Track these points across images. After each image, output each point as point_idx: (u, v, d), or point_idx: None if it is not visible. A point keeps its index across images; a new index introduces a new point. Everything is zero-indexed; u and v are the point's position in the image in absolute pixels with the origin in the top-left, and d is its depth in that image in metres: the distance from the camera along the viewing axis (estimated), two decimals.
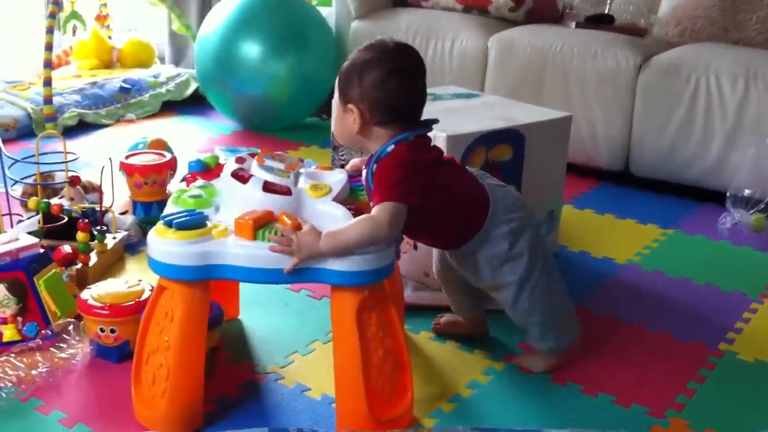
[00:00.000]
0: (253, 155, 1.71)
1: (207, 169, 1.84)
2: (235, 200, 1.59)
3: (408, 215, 1.57)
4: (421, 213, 1.60)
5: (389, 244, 1.56)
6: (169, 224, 1.52)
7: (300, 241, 1.48)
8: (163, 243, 1.52)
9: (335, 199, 1.60)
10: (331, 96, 3.62)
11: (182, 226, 1.51)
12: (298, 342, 1.94)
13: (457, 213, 1.67)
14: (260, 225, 1.51)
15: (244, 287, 2.11)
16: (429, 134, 1.66)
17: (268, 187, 1.58)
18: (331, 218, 1.55)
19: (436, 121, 1.67)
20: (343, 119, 1.63)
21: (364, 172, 1.67)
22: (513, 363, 1.85)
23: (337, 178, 1.66)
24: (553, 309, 1.77)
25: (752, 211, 2.68)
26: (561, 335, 1.81)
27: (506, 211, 1.70)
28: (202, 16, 4.26)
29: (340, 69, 1.64)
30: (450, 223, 1.67)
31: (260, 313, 2.07)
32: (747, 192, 2.69)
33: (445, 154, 1.70)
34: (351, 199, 1.66)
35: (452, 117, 2.21)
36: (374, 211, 1.54)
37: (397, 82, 1.58)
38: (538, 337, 1.80)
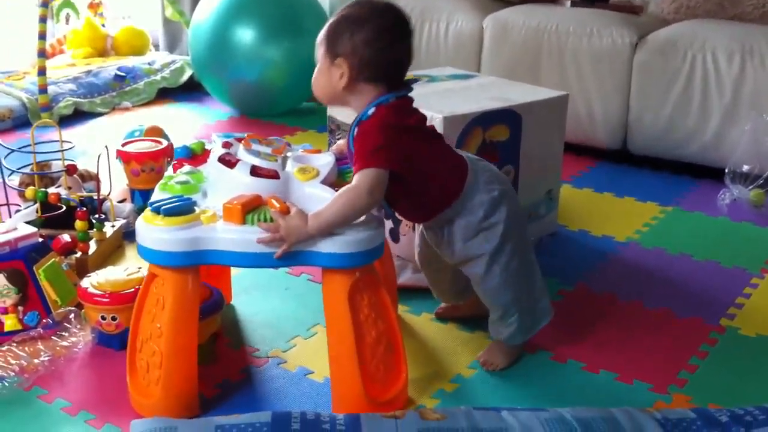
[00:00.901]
0: (239, 140, 1.71)
1: (193, 155, 1.84)
2: (223, 185, 1.59)
3: (389, 182, 1.56)
4: (402, 178, 1.59)
5: (378, 210, 1.58)
6: (157, 211, 1.52)
7: (288, 225, 1.48)
8: (151, 230, 1.51)
9: (324, 182, 1.59)
10: None
11: (170, 212, 1.51)
12: (299, 326, 1.94)
13: (437, 179, 1.65)
14: (249, 209, 1.51)
15: (244, 272, 2.12)
16: (410, 95, 1.64)
17: (255, 171, 1.58)
18: (319, 201, 1.54)
19: (416, 80, 1.66)
20: (327, 74, 1.61)
21: (343, 141, 1.66)
22: (477, 361, 1.81)
23: (325, 161, 1.66)
24: (523, 291, 1.73)
25: (751, 187, 2.68)
26: (524, 325, 1.75)
27: (487, 181, 1.68)
28: (195, 2, 4.24)
29: (328, 23, 1.62)
30: (430, 189, 1.65)
31: (261, 297, 2.07)
32: (745, 168, 2.69)
33: (426, 120, 1.68)
34: (339, 181, 1.65)
35: (448, 98, 2.21)
36: (354, 179, 1.54)
37: (389, 41, 1.58)
38: (497, 322, 1.75)
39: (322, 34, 1.62)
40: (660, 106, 2.97)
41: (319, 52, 1.63)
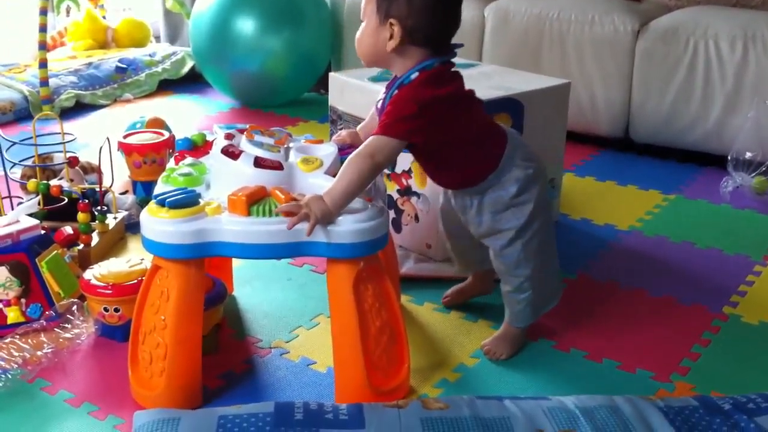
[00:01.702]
0: (242, 131, 1.71)
1: (195, 147, 1.84)
2: (226, 177, 1.58)
3: (427, 149, 1.59)
4: (437, 147, 1.60)
5: (382, 200, 1.60)
6: (161, 203, 1.51)
7: (307, 201, 1.48)
8: (156, 222, 1.51)
9: (327, 173, 1.59)
10: (329, 70, 3.62)
11: (175, 205, 1.50)
12: (302, 316, 1.94)
13: (474, 149, 1.66)
14: (254, 201, 1.51)
15: (246, 263, 2.12)
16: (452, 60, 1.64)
17: (259, 162, 1.58)
18: (323, 191, 1.54)
19: (461, 45, 1.65)
20: (376, 34, 1.58)
21: (382, 96, 1.65)
22: (480, 349, 1.81)
23: (327, 151, 1.66)
24: (539, 270, 1.74)
25: (754, 174, 2.67)
26: (534, 304, 1.76)
27: (524, 157, 1.69)
28: None
29: None
30: (466, 159, 1.66)
31: (263, 288, 2.07)
32: (748, 155, 2.68)
33: (463, 86, 1.67)
34: None
35: None
36: (367, 141, 1.55)
37: (444, 6, 1.57)
38: (511, 293, 1.76)
39: None
40: (662, 93, 2.96)
41: (368, 9, 1.59)
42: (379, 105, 1.66)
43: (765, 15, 2.94)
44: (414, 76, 1.58)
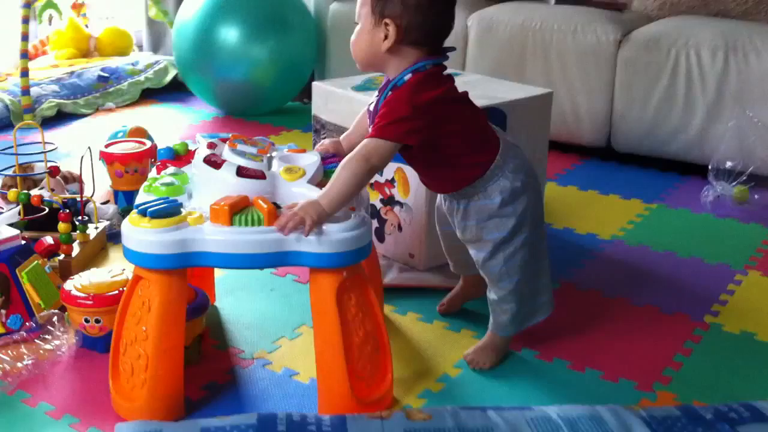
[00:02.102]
0: (224, 140, 1.70)
1: (177, 156, 1.83)
2: (209, 186, 1.58)
3: (419, 150, 1.59)
4: (427, 148, 1.60)
5: (364, 209, 1.60)
6: (143, 213, 1.51)
7: (302, 205, 1.49)
8: (138, 232, 1.50)
9: (310, 182, 1.59)
10: (312, 79, 3.62)
11: (157, 214, 1.49)
12: (285, 327, 1.93)
13: (464, 152, 1.65)
14: (236, 210, 1.50)
15: (228, 273, 2.11)
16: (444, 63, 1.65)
17: (242, 172, 1.57)
18: (318, 195, 1.54)
19: (453, 48, 1.66)
20: (371, 35, 1.59)
21: (375, 99, 1.65)
22: (464, 359, 1.80)
23: (310, 161, 1.66)
24: (525, 283, 1.73)
25: (734, 183, 2.69)
26: (518, 316, 1.76)
27: (514, 169, 1.68)
28: (179, 1, 4.23)
29: None
30: (455, 162, 1.66)
31: (246, 298, 2.06)
32: (729, 164, 2.70)
33: (456, 89, 1.67)
34: (325, 181, 1.65)
35: None
36: (362, 143, 1.56)
37: (440, 6, 1.59)
38: (495, 303, 1.75)
39: None
40: (644, 103, 2.98)
41: (363, 11, 1.61)
42: (372, 108, 1.66)
43: (745, 24, 2.97)
44: (408, 77, 1.58)
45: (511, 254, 1.70)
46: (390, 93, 1.59)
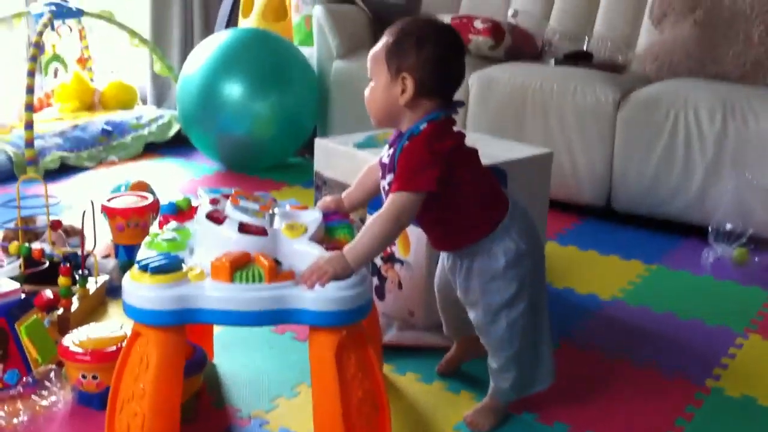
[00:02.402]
0: (227, 196, 1.71)
1: (179, 212, 1.83)
2: (210, 242, 1.58)
3: (428, 202, 1.59)
4: (438, 199, 1.60)
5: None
6: (144, 268, 1.51)
7: (326, 257, 1.50)
8: (138, 288, 1.50)
9: (311, 239, 1.59)
10: (314, 135, 3.65)
11: (158, 270, 1.49)
12: (282, 385, 1.92)
13: (472, 208, 1.67)
14: (237, 267, 1.50)
15: (227, 328, 2.10)
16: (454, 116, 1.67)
17: (244, 228, 1.58)
18: (308, 258, 1.54)
19: (462, 103, 1.68)
20: (388, 90, 1.61)
21: (388, 151, 1.65)
22: (464, 422, 1.78)
23: (312, 217, 1.66)
24: (526, 350, 1.73)
25: (734, 245, 2.69)
26: (519, 383, 1.75)
27: (520, 232, 1.69)
28: (183, 57, 4.28)
29: (387, 40, 1.62)
30: (463, 217, 1.66)
31: (244, 355, 2.05)
32: (729, 226, 2.71)
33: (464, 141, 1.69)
34: (327, 238, 1.66)
35: None
36: (388, 201, 1.56)
37: (453, 58, 1.62)
38: (496, 371, 1.75)
39: (380, 51, 1.63)
40: (643, 163, 3.00)
41: (377, 67, 1.63)
42: (387, 160, 1.66)
43: (744, 88, 3.00)
44: (423, 126, 1.60)
45: (513, 320, 1.70)
46: (407, 142, 1.60)
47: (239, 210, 1.63)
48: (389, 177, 1.62)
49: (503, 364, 1.73)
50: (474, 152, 1.70)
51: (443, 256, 1.82)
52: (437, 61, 1.60)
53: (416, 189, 1.56)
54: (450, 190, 1.61)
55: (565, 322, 2.27)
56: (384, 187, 1.66)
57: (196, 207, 1.75)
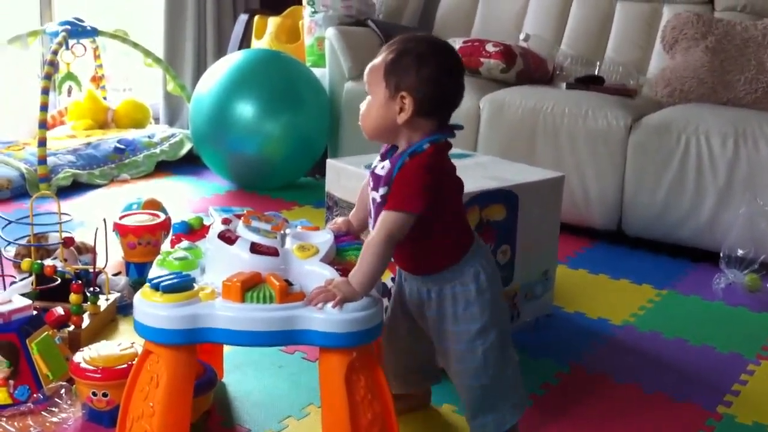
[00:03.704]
0: (239, 216, 1.71)
1: (191, 231, 1.83)
2: (222, 262, 1.58)
3: (415, 223, 1.57)
4: (426, 222, 1.59)
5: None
6: (156, 287, 1.51)
7: (335, 281, 1.50)
8: (150, 306, 1.50)
9: (323, 260, 1.59)
10: (325, 155, 3.66)
11: (170, 289, 1.50)
12: (292, 406, 1.92)
13: (454, 231, 1.66)
14: (248, 287, 1.50)
15: (236, 348, 2.10)
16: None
17: (255, 248, 1.58)
18: (318, 279, 1.54)
19: (461, 126, 1.67)
20: (385, 108, 1.59)
21: (384, 165, 1.62)
22: None
23: (323, 239, 1.66)
24: (501, 376, 1.69)
25: (746, 271, 2.68)
26: (502, 412, 1.70)
27: (486, 257, 1.69)
28: (196, 77, 4.31)
29: (387, 58, 1.60)
30: (445, 240, 1.65)
31: (254, 375, 2.05)
32: (740, 252, 2.70)
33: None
34: (338, 259, 1.66)
35: None
36: (380, 220, 1.55)
37: (452, 78, 1.61)
38: (477, 407, 1.70)
39: (379, 67, 1.60)
40: (655, 188, 3.00)
41: (375, 84, 1.61)
42: (381, 172, 1.62)
43: (755, 113, 3.00)
44: (426, 146, 1.58)
45: (489, 347, 1.66)
46: (408, 160, 1.58)
47: (251, 230, 1.64)
48: (383, 190, 1.59)
49: (484, 398, 1.69)
50: (461, 182, 1.69)
51: (395, 301, 1.78)
52: (437, 82, 1.58)
53: (412, 210, 1.55)
54: (436, 214, 1.60)
55: (575, 347, 2.27)
56: (375, 198, 1.63)
57: (208, 226, 1.75)
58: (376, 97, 1.62)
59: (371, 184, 1.65)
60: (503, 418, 1.70)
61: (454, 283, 1.66)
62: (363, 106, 1.65)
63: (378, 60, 1.62)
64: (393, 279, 2.17)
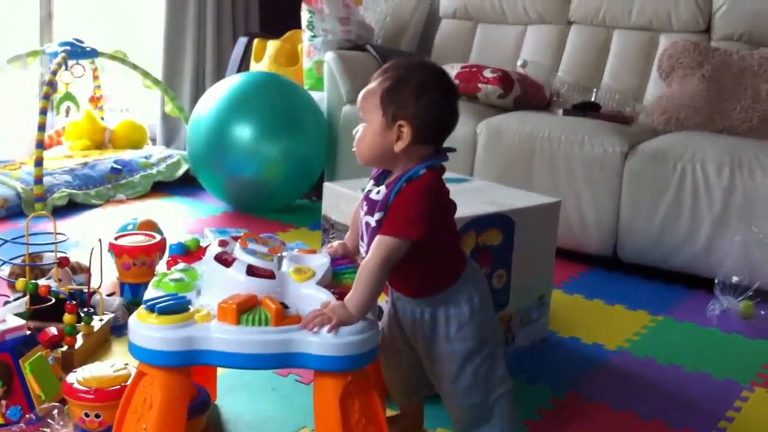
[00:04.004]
0: (236, 238, 1.71)
1: (188, 252, 1.84)
2: (218, 284, 1.58)
3: (412, 247, 1.57)
4: (421, 246, 1.58)
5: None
6: (151, 309, 1.50)
7: (331, 306, 1.50)
8: (145, 328, 1.49)
9: (319, 283, 1.59)
10: (322, 178, 3.67)
11: (165, 311, 1.49)
12: (285, 428, 1.91)
13: (445, 256, 1.66)
14: (244, 309, 1.50)
15: (230, 371, 2.09)
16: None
17: (252, 270, 1.58)
18: (315, 302, 1.54)
19: (454, 149, 1.67)
20: (382, 136, 1.58)
21: (380, 190, 1.61)
22: None
23: (320, 262, 1.66)
24: (492, 395, 1.69)
25: (741, 298, 2.68)
26: (501, 423, 1.70)
27: (479, 280, 1.70)
28: (194, 99, 4.33)
29: (382, 85, 1.59)
30: (437, 263, 1.65)
31: (247, 397, 2.04)
32: (735, 279, 2.70)
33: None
34: (334, 282, 1.66)
35: None
36: (374, 245, 1.55)
37: (449, 105, 1.61)
38: (469, 425, 1.71)
39: (375, 94, 1.60)
40: (650, 214, 3.00)
41: (371, 111, 1.60)
42: (376, 197, 1.61)
43: (751, 142, 3.02)
44: (422, 172, 1.58)
45: (478, 366, 1.66)
46: (405, 185, 1.57)
47: (248, 252, 1.64)
48: (378, 215, 1.58)
49: (477, 416, 1.69)
50: (454, 204, 1.70)
51: (390, 316, 1.78)
52: (436, 110, 1.57)
53: (408, 237, 1.55)
54: (431, 238, 1.59)
55: (570, 373, 2.26)
56: (369, 223, 1.62)
57: (205, 248, 1.75)
58: (371, 124, 1.61)
59: (365, 208, 1.65)
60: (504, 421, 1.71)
61: (447, 306, 1.66)
62: (358, 133, 1.64)
63: (373, 86, 1.61)
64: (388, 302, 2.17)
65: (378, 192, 1.62)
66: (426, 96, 1.57)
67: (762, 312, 2.68)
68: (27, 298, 2.19)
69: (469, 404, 1.69)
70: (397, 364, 1.80)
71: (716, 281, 2.74)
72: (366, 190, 1.66)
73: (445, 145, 1.65)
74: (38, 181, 3.49)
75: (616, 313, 2.74)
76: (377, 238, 1.56)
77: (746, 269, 2.70)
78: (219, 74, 4.50)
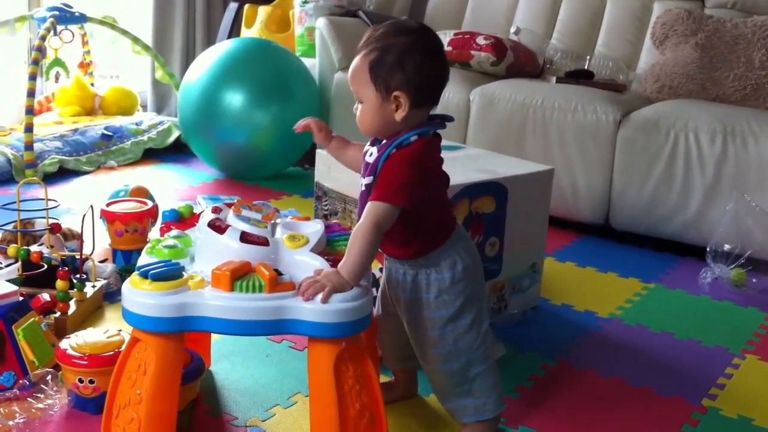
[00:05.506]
0: (229, 205, 1.71)
1: (181, 219, 1.83)
2: (212, 251, 1.57)
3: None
4: (411, 212, 1.59)
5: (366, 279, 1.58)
6: (144, 275, 1.50)
7: (325, 272, 1.49)
8: (138, 294, 1.49)
9: (313, 250, 1.59)
10: (314, 145, 3.66)
11: (158, 277, 1.49)
12: (279, 394, 1.91)
13: (432, 219, 1.66)
14: (238, 276, 1.50)
15: (224, 337, 2.09)
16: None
17: (245, 237, 1.58)
18: (308, 269, 1.54)
19: (452, 119, 1.66)
20: (381, 110, 1.58)
21: (372, 152, 1.62)
22: None
23: (314, 229, 1.66)
24: (477, 360, 1.70)
25: (732, 266, 2.70)
26: (483, 399, 1.72)
27: (465, 248, 1.70)
28: (185, 65, 4.30)
29: (365, 60, 1.59)
30: (423, 226, 1.65)
31: (240, 363, 2.04)
32: (727, 247, 2.71)
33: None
34: (328, 249, 1.66)
35: None
36: (366, 210, 1.55)
37: (434, 62, 1.59)
38: (448, 390, 1.73)
39: (362, 71, 1.59)
40: (642, 183, 3.01)
41: (363, 89, 1.60)
42: (369, 160, 1.62)
43: (744, 110, 3.01)
44: (413, 139, 1.58)
45: (461, 333, 1.68)
46: (394, 151, 1.58)
47: (241, 219, 1.63)
48: (368, 179, 1.60)
49: (463, 378, 1.71)
50: (447, 177, 1.70)
51: (386, 277, 1.78)
52: (425, 70, 1.57)
53: (396, 203, 1.55)
54: (419, 205, 1.60)
55: (562, 340, 2.27)
56: (361, 185, 1.63)
57: (198, 215, 1.75)
58: (367, 100, 1.60)
59: (361, 169, 1.66)
60: (483, 406, 1.72)
61: (429, 270, 1.67)
62: (357, 112, 1.64)
63: (358, 62, 1.61)
64: (381, 270, 2.17)
65: (371, 154, 1.63)
66: (411, 60, 1.56)
67: (753, 280, 2.69)
68: (19, 264, 2.19)
69: (448, 370, 1.70)
70: (392, 328, 1.81)
71: (708, 249, 2.75)
72: (365, 150, 1.67)
73: (441, 112, 1.65)
74: (29, 147, 3.47)
75: (608, 281, 2.75)
76: (368, 204, 1.56)
77: (738, 237, 2.71)
78: (209, 40, 4.47)
